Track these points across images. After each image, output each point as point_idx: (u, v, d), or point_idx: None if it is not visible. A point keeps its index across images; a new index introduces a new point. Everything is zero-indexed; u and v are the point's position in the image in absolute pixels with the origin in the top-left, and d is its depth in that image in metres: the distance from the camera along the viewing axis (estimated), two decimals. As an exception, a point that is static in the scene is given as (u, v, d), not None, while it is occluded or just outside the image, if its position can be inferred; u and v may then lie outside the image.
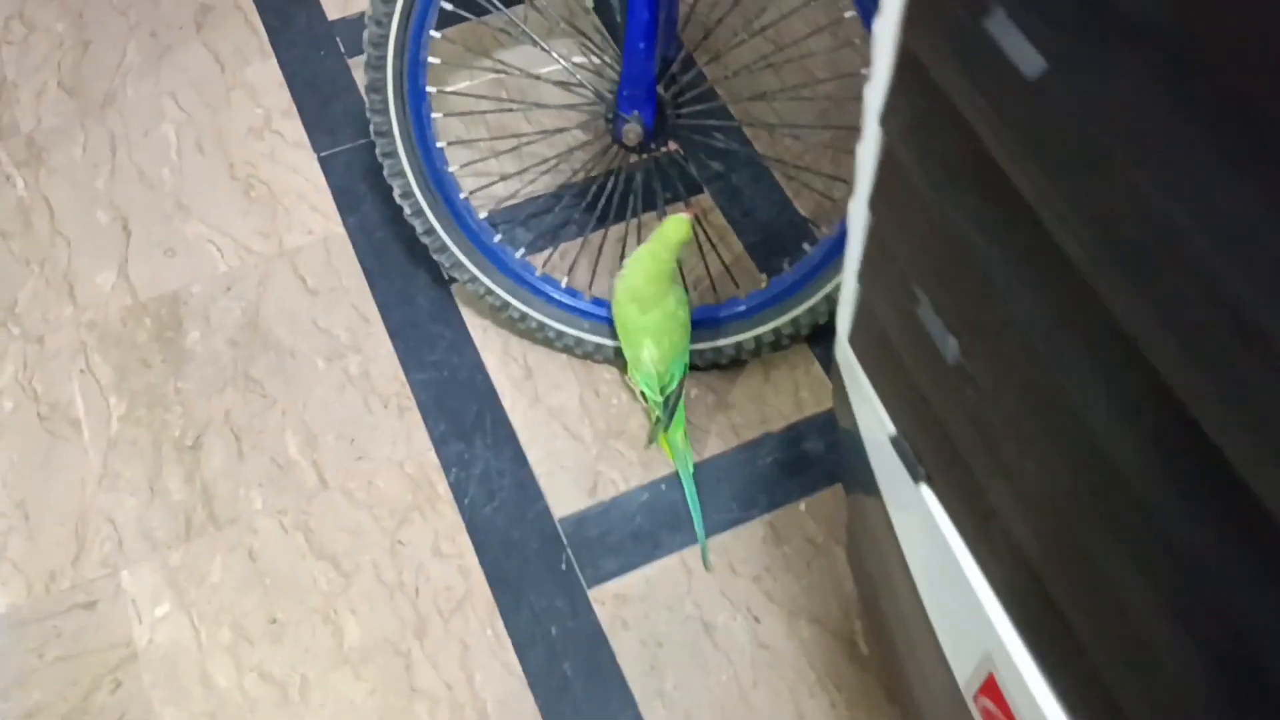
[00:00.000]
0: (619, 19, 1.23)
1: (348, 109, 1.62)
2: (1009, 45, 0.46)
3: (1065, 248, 0.50)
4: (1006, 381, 0.57)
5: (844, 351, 0.81)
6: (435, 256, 1.35)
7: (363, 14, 1.70)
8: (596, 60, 1.31)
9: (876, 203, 0.65)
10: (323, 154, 1.58)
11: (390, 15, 1.20)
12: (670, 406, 1.26)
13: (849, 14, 1.16)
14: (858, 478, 0.92)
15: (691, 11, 1.26)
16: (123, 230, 1.51)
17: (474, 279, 1.35)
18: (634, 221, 1.43)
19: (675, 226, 1.21)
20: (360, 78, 1.63)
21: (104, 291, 1.46)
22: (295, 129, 1.61)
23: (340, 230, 1.51)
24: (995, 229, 0.54)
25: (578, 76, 1.25)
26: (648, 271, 1.23)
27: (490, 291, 1.35)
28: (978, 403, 0.60)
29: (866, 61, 1.19)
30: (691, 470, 1.28)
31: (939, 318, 0.61)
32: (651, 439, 1.31)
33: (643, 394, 1.29)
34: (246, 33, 1.70)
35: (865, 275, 0.70)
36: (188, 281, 1.47)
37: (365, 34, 1.23)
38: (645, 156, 1.28)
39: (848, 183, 1.40)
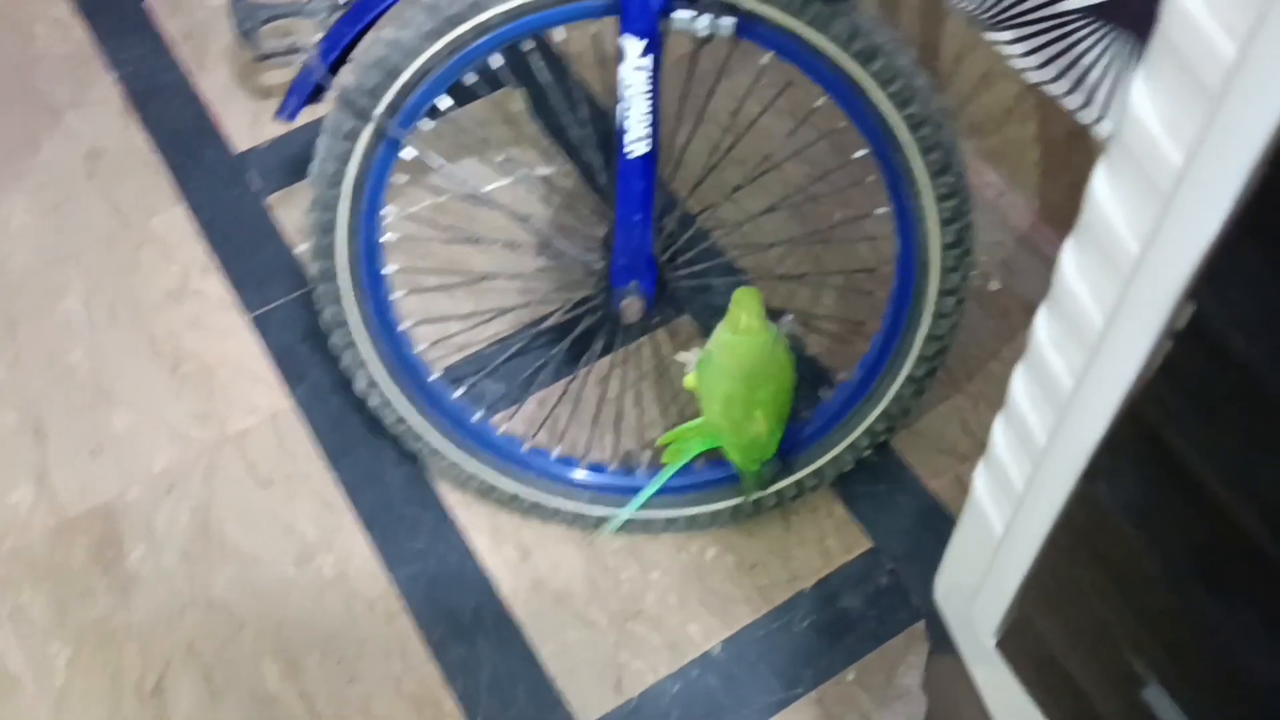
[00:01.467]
0: (601, 182, 1.10)
1: (276, 256, 1.45)
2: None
3: None
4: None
5: (972, 635, 0.69)
6: (409, 445, 1.20)
7: (275, 140, 1.54)
8: (577, 223, 1.17)
9: (1060, 543, 0.53)
10: (255, 313, 1.41)
11: (337, 199, 1.04)
12: (765, 478, 1.18)
13: (860, 153, 1.04)
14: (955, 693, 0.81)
15: (679, 161, 1.13)
16: (35, 433, 1.32)
17: (455, 465, 1.20)
18: (619, 355, 1.30)
19: (749, 298, 1.08)
20: (280, 218, 1.47)
21: (23, 512, 1.28)
22: (219, 286, 1.43)
23: (288, 403, 1.34)
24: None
25: (560, 246, 1.11)
26: (752, 349, 1.09)
27: (474, 476, 1.21)
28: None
29: (882, 201, 1.08)
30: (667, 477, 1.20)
31: (1180, 711, 0.49)
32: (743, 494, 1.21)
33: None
34: (147, 175, 1.52)
35: (1032, 599, 0.59)
36: (121, 486, 1.29)
37: (311, 219, 1.07)
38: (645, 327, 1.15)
39: (864, 323, 1.30)
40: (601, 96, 1.53)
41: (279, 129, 1.55)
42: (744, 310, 1.08)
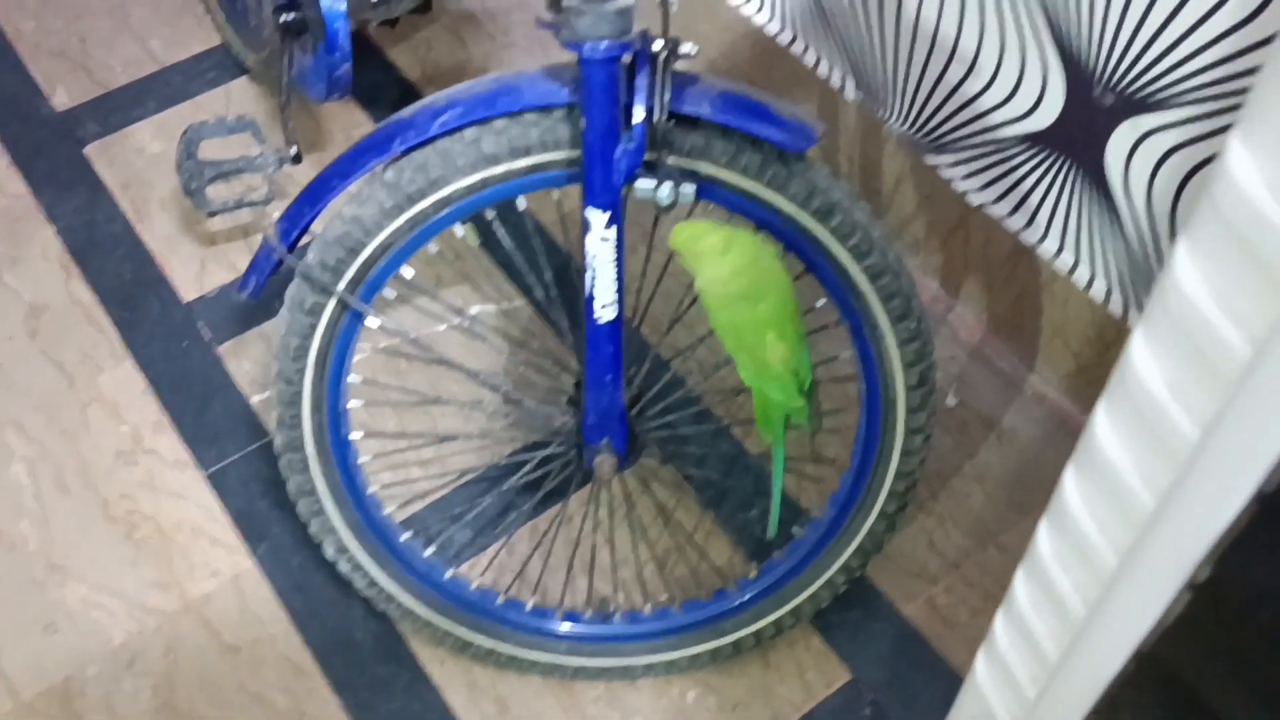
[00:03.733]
0: (567, 342, 1.10)
1: (229, 409, 1.42)
2: None
3: None
4: None
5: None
6: (381, 606, 1.18)
7: (223, 288, 1.53)
8: (546, 376, 1.17)
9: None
10: (210, 470, 1.38)
11: (302, 372, 1.03)
12: (815, 407, 1.03)
13: (821, 302, 1.05)
14: None
15: (645, 309, 1.13)
16: (-14, 612, 1.28)
17: (429, 624, 1.18)
18: (588, 490, 1.29)
19: (688, 229, 0.93)
20: (232, 368, 1.45)
21: (-23, 698, 1.23)
22: (172, 444, 1.40)
23: (250, 564, 1.31)
24: None
25: (526, 405, 1.11)
26: (747, 250, 0.93)
27: (449, 634, 1.19)
28: None
29: (847, 345, 1.09)
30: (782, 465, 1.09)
31: None
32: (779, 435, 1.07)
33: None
34: (92, 332, 1.49)
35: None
36: (79, 663, 1.24)
37: (275, 391, 1.05)
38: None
39: (834, 461, 1.31)
40: (550, 227, 1.54)
41: (226, 276, 1.54)
42: (694, 240, 0.92)
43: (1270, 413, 0.35)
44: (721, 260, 0.94)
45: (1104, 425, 0.46)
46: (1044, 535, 0.55)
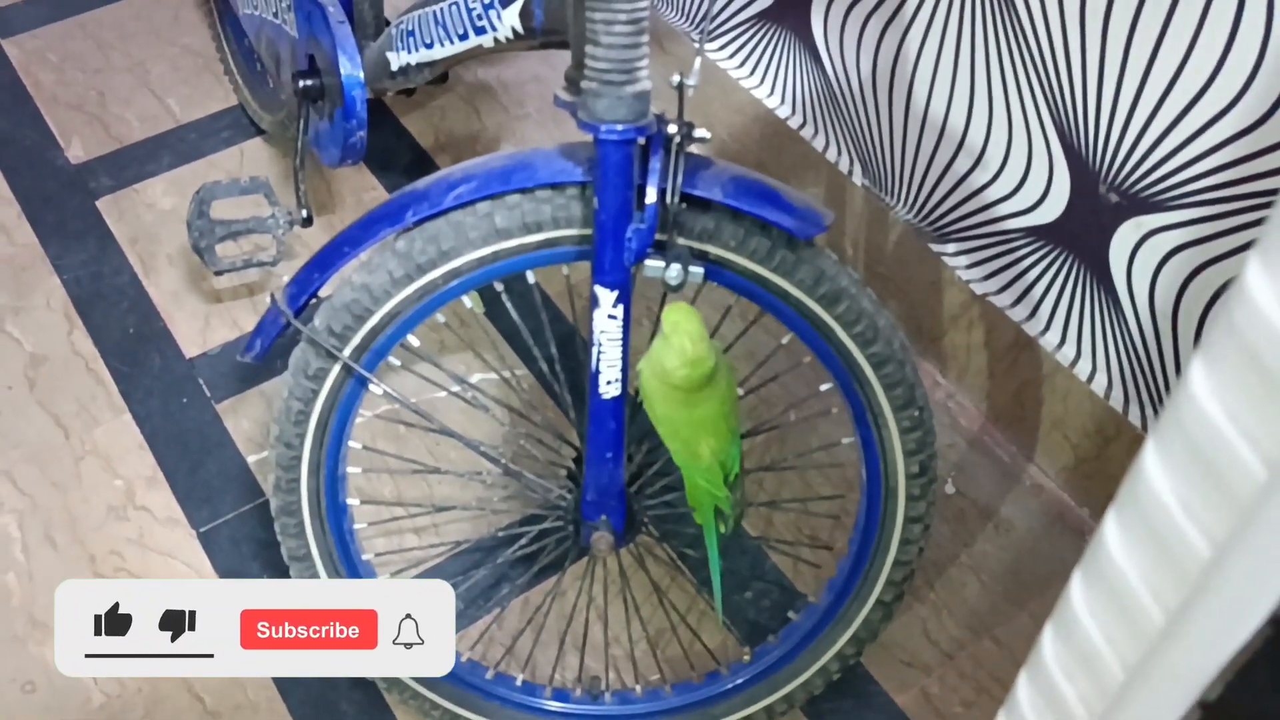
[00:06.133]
0: (569, 416, 1.10)
1: (224, 469, 1.41)
2: None
3: None
4: None
5: None
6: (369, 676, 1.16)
7: (226, 346, 1.52)
8: (544, 449, 1.16)
9: None
10: (202, 529, 1.37)
11: (303, 436, 1.03)
12: (739, 498, 1.03)
13: (825, 386, 1.05)
14: None
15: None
16: (-35, 666, 1.26)
17: (416, 696, 1.16)
18: (582, 565, 1.28)
19: (688, 320, 0.91)
20: (230, 426, 1.44)
21: (-50, 755, 1.20)
22: (165, 501, 1.39)
23: (236, 627, 1.29)
24: None
25: (525, 478, 1.10)
26: (690, 350, 0.90)
27: (436, 706, 1.17)
28: None
29: (849, 431, 1.09)
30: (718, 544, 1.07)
31: None
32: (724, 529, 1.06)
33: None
34: (91, 384, 1.48)
35: None
36: (56, 724, 1.22)
37: (274, 455, 1.05)
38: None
39: (832, 547, 1.30)
40: (556, 299, 1.54)
41: (230, 333, 1.54)
42: (686, 336, 0.90)
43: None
44: (679, 349, 0.91)
45: (1114, 535, 0.46)
46: (1049, 641, 0.54)
